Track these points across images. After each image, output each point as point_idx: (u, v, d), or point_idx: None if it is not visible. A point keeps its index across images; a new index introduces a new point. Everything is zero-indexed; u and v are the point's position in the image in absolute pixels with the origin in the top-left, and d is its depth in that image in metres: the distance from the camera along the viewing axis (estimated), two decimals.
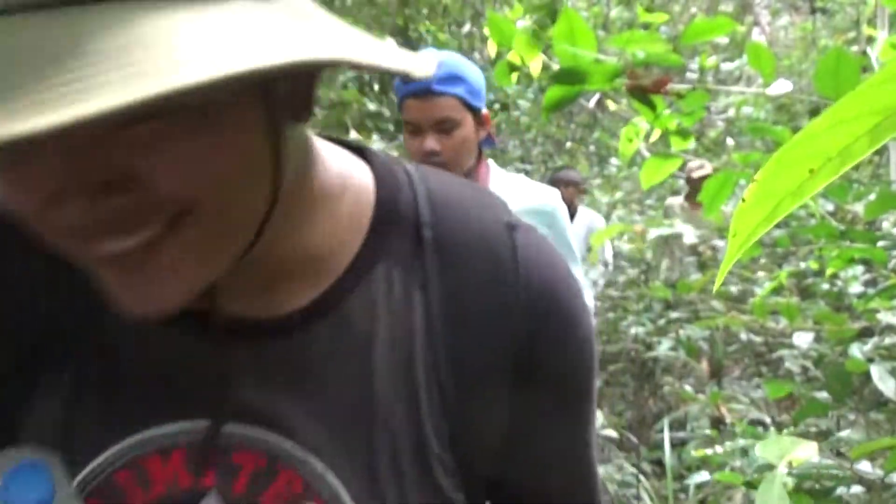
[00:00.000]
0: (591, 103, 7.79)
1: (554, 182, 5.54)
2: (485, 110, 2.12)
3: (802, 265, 4.03)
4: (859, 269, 3.37)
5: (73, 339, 0.68)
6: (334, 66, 0.50)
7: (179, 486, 0.66)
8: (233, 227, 0.57)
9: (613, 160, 7.79)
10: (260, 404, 0.67)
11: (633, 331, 4.62)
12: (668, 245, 5.86)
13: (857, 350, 2.44)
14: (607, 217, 6.57)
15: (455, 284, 0.71)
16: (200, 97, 0.47)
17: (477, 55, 7.67)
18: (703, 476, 2.27)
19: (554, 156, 8.36)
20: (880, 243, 1.82)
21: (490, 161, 2.24)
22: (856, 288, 3.41)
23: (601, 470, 4.08)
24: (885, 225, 4.09)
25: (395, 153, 5.31)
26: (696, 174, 6.31)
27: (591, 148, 8.95)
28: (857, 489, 1.73)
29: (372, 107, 5.51)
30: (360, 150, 0.77)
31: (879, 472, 1.61)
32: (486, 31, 1.59)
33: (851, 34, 9.56)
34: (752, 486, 1.70)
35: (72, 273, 0.62)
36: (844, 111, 0.31)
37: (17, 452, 0.65)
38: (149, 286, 0.55)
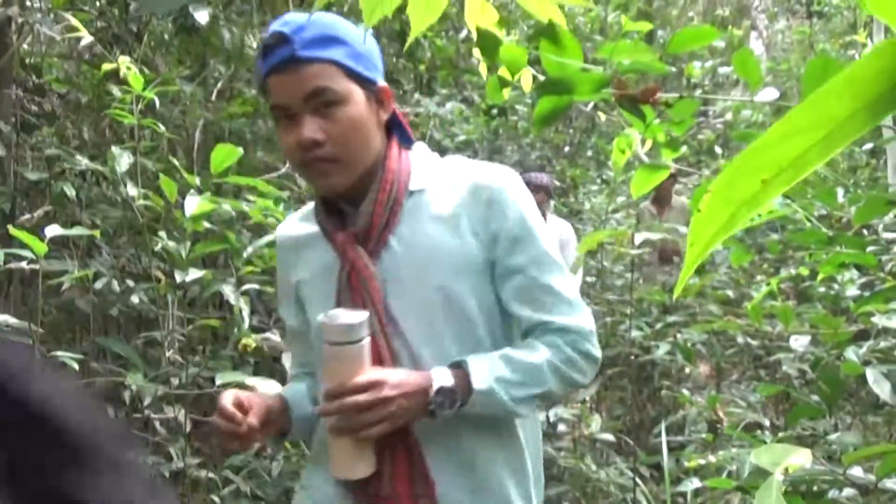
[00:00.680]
0: (590, 107, 7.80)
1: None
2: (382, 83, 1.60)
3: (794, 271, 4.03)
4: (855, 272, 3.38)
5: None
6: None
7: None
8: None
9: (612, 163, 7.78)
10: None
11: (630, 335, 4.62)
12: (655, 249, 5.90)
13: (852, 353, 2.44)
14: (605, 223, 6.53)
15: None
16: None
17: (474, 60, 7.68)
18: (695, 483, 2.27)
19: (552, 160, 8.36)
20: (870, 248, 1.82)
21: (420, 145, 1.72)
22: (852, 291, 3.41)
23: (601, 474, 4.07)
24: (879, 228, 4.08)
25: None
26: None
27: (590, 153, 8.95)
28: (850, 492, 1.73)
29: None
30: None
31: (871, 478, 1.61)
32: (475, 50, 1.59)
33: (848, 38, 9.57)
34: (744, 490, 1.70)
35: None
36: (796, 122, 0.31)
37: None
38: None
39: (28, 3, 3.80)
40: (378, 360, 1.56)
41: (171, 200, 3.10)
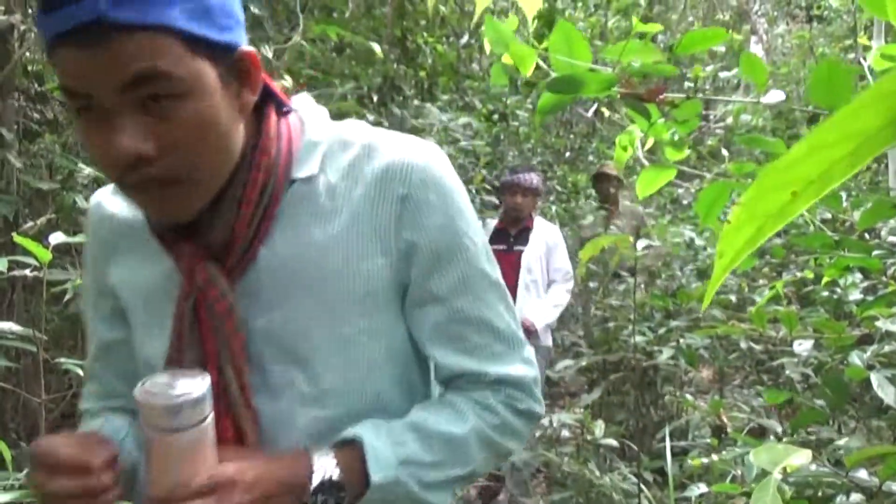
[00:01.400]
0: (590, 113, 7.81)
1: (502, 187, 5.11)
2: (245, 46, 1.04)
3: (800, 274, 4.03)
4: (858, 276, 3.38)
5: None
6: None
7: None
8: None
9: (614, 162, 7.79)
10: None
11: (633, 340, 4.61)
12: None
13: (856, 357, 2.44)
14: (606, 227, 6.51)
15: None
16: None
17: (475, 66, 7.69)
18: (701, 488, 2.26)
19: (553, 165, 8.36)
20: (875, 252, 1.82)
21: (303, 103, 1.21)
22: (855, 295, 3.41)
23: (605, 479, 4.06)
24: (883, 232, 4.08)
25: None
26: (597, 171, 6.14)
27: (591, 157, 8.96)
28: (856, 497, 1.73)
29: (371, 118, 5.52)
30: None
31: (875, 480, 1.61)
32: (485, 42, 1.54)
33: (848, 42, 9.58)
34: (750, 496, 1.71)
35: None
36: (824, 137, 0.32)
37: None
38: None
39: (30, 11, 3.81)
40: (233, 435, 1.09)
41: None
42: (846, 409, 2.95)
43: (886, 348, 2.60)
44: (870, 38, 4.81)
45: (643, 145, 1.69)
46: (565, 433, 4.37)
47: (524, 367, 1.21)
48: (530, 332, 4.70)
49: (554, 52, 1.29)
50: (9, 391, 3.29)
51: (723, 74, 9.11)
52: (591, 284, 5.73)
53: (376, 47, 4.90)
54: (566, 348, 5.73)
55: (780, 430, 3.96)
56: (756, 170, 1.44)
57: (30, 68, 4.33)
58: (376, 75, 5.96)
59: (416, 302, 1.15)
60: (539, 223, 5.10)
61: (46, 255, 2.50)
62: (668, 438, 3.42)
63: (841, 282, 3.33)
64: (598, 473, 4.15)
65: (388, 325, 1.14)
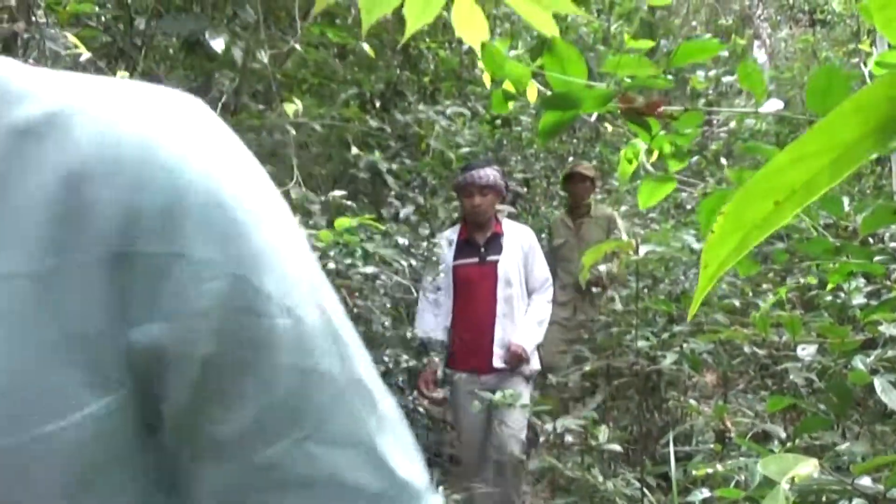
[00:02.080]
0: (594, 118, 7.80)
1: (456, 189, 4.66)
2: None
3: (803, 280, 4.02)
4: (862, 281, 3.38)
5: None
6: None
7: None
8: None
9: (617, 174, 7.79)
10: None
11: (636, 345, 4.61)
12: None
13: (860, 362, 2.43)
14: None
15: None
16: None
17: (478, 71, 7.69)
18: (704, 493, 2.26)
19: (556, 170, 8.36)
20: (878, 257, 1.82)
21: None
22: (858, 300, 3.41)
23: (608, 484, 4.06)
24: (886, 237, 4.08)
25: (383, 165, 5.32)
26: (567, 171, 5.76)
27: (594, 162, 8.95)
28: (859, 502, 1.72)
29: (373, 123, 5.53)
30: None
31: (880, 488, 1.60)
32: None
33: (851, 46, 9.57)
34: (753, 501, 1.70)
35: None
36: (806, 147, 0.32)
37: None
38: None
39: (34, 19, 3.82)
40: None
41: None
42: (850, 414, 2.94)
43: (890, 353, 2.60)
44: (872, 43, 4.81)
45: (648, 156, 1.70)
46: (569, 438, 4.36)
47: None
48: (522, 360, 4.39)
49: (549, 69, 1.29)
50: None
51: (726, 79, 9.11)
52: (594, 290, 5.72)
53: (366, 47, 4.88)
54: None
55: (783, 435, 3.95)
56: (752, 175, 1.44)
57: None
58: (379, 81, 5.96)
59: (190, 454, 0.56)
60: (509, 227, 4.58)
61: None
62: (671, 443, 3.42)
63: (845, 286, 3.33)
64: (601, 479, 4.14)
65: (115, 485, 0.53)
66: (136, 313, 0.51)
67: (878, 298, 3.63)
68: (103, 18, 4.31)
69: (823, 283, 3.34)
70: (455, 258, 4.45)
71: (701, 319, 4.79)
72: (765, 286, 5.34)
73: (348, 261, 3.98)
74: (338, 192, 4.44)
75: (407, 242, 4.82)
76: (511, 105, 1.45)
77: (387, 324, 5.02)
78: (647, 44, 1.29)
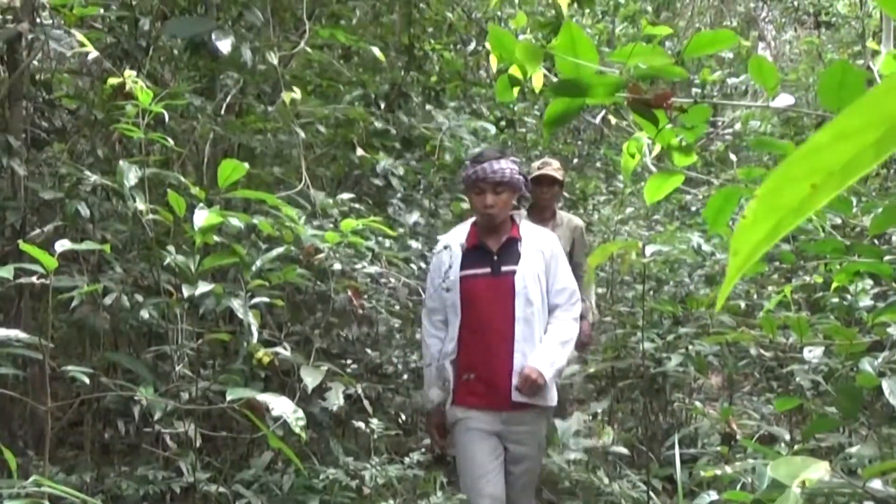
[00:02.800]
0: (598, 119, 7.80)
1: (465, 185, 3.64)
2: None
3: (809, 279, 3.99)
4: (868, 282, 3.36)
5: None
6: None
7: None
8: None
9: (621, 176, 7.79)
10: None
11: (642, 347, 4.59)
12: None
13: (867, 364, 2.41)
14: (616, 233, 6.47)
15: None
16: None
17: (482, 73, 7.68)
18: (712, 496, 2.24)
19: None
20: (887, 258, 1.80)
21: None
22: (865, 302, 3.38)
23: (613, 487, 4.03)
24: (894, 238, 4.06)
25: (400, 170, 5.32)
26: (535, 173, 4.86)
27: (598, 164, 8.95)
28: None
29: (378, 125, 5.52)
30: None
31: (892, 491, 1.58)
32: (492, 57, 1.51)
33: (856, 48, 9.55)
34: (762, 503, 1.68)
35: None
36: (847, 123, 0.30)
37: None
38: None
39: (38, 20, 3.82)
40: None
41: (180, 214, 3.10)
42: (857, 417, 2.92)
43: None
44: (878, 45, 4.79)
45: (651, 152, 1.68)
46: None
47: None
48: (538, 387, 3.39)
49: (560, 53, 1.27)
50: (16, 399, 3.28)
51: (731, 80, 9.09)
52: (599, 290, 5.70)
53: (376, 51, 4.87)
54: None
55: (788, 437, 3.93)
56: (765, 174, 1.42)
57: (38, 77, 4.34)
58: (384, 82, 5.96)
59: None
60: (528, 230, 3.65)
61: (53, 263, 2.50)
62: (677, 446, 3.40)
63: (851, 288, 3.31)
64: (606, 481, 4.13)
65: None
66: None
67: (884, 300, 3.61)
68: (108, 20, 4.30)
69: (829, 284, 3.32)
70: (462, 268, 3.53)
71: (706, 321, 4.77)
72: (770, 288, 5.32)
73: (357, 263, 3.98)
74: (346, 196, 4.43)
75: (418, 246, 4.81)
76: (516, 93, 1.41)
77: (396, 325, 5.02)
78: (665, 29, 1.26)
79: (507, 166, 3.46)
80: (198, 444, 3.43)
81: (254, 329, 3.21)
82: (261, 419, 2.71)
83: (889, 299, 2.84)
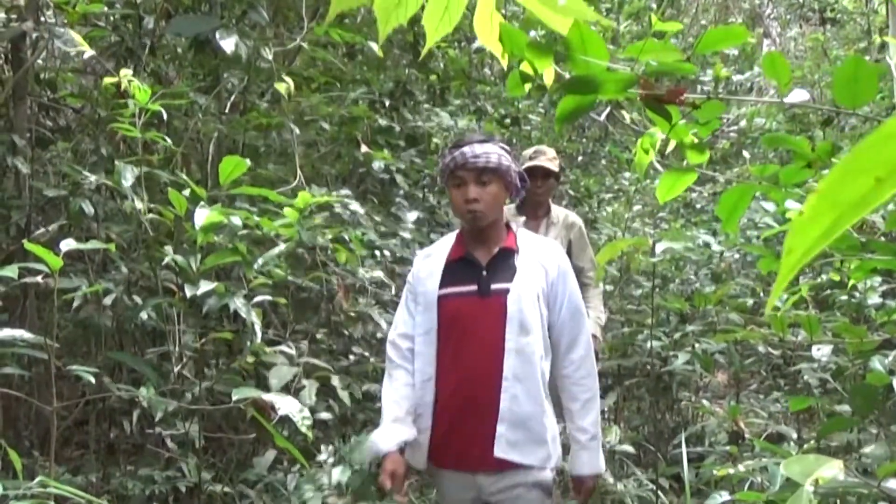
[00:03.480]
0: (602, 117, 7.77)
1: (443, 177, 2.75)
2: None
3: (818, 279, 3.97)
4: (877, 280, 3.33)
5: None
6: None
7: None
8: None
9: (626, 174, 7.78)
10: None
11: (649, 345, 4.57)
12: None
13: (878, 363, 2.40)
14: (626, 230, 6.43)
15: None
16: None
17: (487, 71, 7.66)
18: (723, 496, 2.22)
19: (566, 170, 8.32)
20: None
21: None
22: (874, 299, 3.36)
23: (620, 486, 4.01)
24: None
25: (401, 165, 5.30)
26: (527, 164, 4.13)
27: (603, 162, 8.92)
28: None
29: (382, 122, 5.51)
30: None
31: None
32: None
33: (862, 44, 9.51)
34: None
35: None
36: None
37: None
38: None
39: (43, 19, 3.81)
40: None
41: (181, 213, 3.09)
42: (870, 416, 2.90)
43: None
44: (885, 38, 4.77)
45: (664, 148, 1.66)
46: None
47: None
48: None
49: (570, 50, 1.25)
50: (21, 399, 3.27)
51: (736, 77, 9.06)
52: (608, 288, 5.67)
53: (374, 46, 4.85)
54: None
55: (796, 436, 3.91)
56: (780, 170, 1.40)
57: (42, 76, 4.33)
58: (388, 80, 5.94)
59: None
60: (528, 239, 2.81)
61: (57, 263, 2.48)
62: (684, 444, 3.38)
63: (860, 286, 3.29)
64: (611, 480, 4.11)
65: None
66: None
67: (893, 298, 3.59)
68: (112, 18, 4.29)
69: (839, 282, 3.30)
70: (442, 285, 2.71)
71: (713, 319, 4.75)
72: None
73: (367, 273, 3.98)
74: (343, 192, 4.41)
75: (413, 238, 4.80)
76: (527, 88, 1.38)
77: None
78: (676, 25, 1.24)
79: (493, 150, 2.64)
80: (200, 445, 3.42)
81: (257, 328, 3.20)
82: (266, 419, 2.69)
83: None
